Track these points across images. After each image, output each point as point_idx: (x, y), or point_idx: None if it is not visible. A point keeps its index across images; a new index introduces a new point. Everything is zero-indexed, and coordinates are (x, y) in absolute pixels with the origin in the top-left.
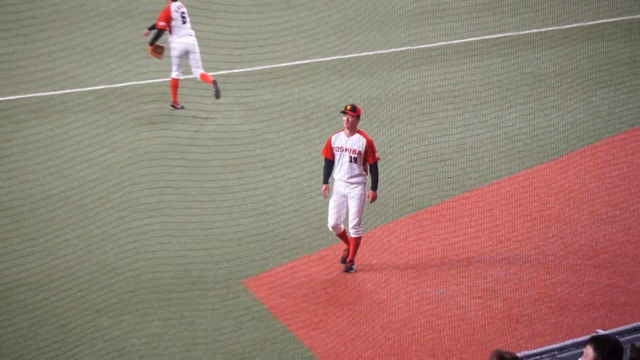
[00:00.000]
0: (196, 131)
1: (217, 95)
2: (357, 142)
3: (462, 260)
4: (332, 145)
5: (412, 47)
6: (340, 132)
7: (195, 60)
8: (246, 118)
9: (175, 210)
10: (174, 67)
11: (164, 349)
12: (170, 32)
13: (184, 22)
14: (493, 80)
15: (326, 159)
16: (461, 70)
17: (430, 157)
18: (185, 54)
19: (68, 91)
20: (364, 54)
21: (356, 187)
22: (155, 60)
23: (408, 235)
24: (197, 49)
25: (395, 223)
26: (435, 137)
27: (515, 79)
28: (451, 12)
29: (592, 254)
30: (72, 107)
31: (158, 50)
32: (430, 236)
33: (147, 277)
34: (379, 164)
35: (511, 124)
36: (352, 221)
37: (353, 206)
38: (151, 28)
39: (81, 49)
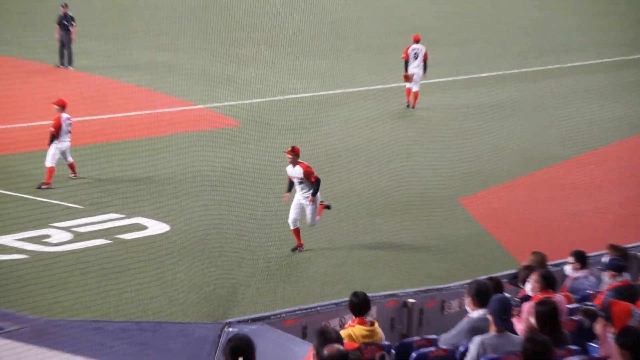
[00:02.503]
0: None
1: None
2: (298, 171)
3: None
4: (288, 174)
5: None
6: (289, 165)
7: (417, 81)
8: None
9: (411, 158)
10: (408, 83)
11: (409, 232)
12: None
13: (415, 59)
14: None
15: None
16: None
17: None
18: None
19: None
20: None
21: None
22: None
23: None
24: (420, 74)
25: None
26: None
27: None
28: None
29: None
30: (357, 99)
31: (408, 77)
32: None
33: (403, 196)
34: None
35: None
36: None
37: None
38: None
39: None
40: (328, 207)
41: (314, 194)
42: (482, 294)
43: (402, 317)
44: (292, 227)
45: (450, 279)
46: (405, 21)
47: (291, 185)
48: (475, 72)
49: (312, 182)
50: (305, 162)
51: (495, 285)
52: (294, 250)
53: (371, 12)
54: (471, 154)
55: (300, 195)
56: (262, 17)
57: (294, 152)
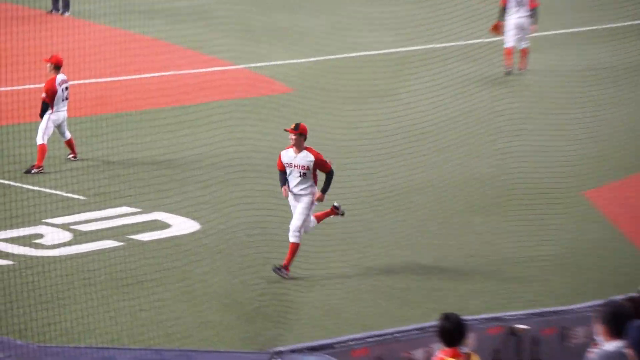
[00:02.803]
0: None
1: None
2: (305, 158)
3: None
4: (282, 161)
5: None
6: (288, 149)
7: (524, 36)
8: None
9: (519, 137)
10: (508, 39)
11: (516, 234)
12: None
13: (521, 5)
14: None
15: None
16: None
17: None
18: (518, 29)
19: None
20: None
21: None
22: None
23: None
24: (527, 26)
25: None
26: None
27: None
28: None
29: None
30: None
31: (497, 28)
32: None
33: (509, 187)
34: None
35: None
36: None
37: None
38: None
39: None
40: (339, 211)
41: (325, 190)
42: (619, 319)
43: (509, 348)
44: (293, 240)
45: (574, 298)
46: None
47: (284, 177)
48: (608, 21)
49: (326, 172)
50: (313, 148)
51: (637, 308)
52: (278, 270)
53: None
54: (602, 132)
55: (295, 192)
56: None
57: (299, 131)
